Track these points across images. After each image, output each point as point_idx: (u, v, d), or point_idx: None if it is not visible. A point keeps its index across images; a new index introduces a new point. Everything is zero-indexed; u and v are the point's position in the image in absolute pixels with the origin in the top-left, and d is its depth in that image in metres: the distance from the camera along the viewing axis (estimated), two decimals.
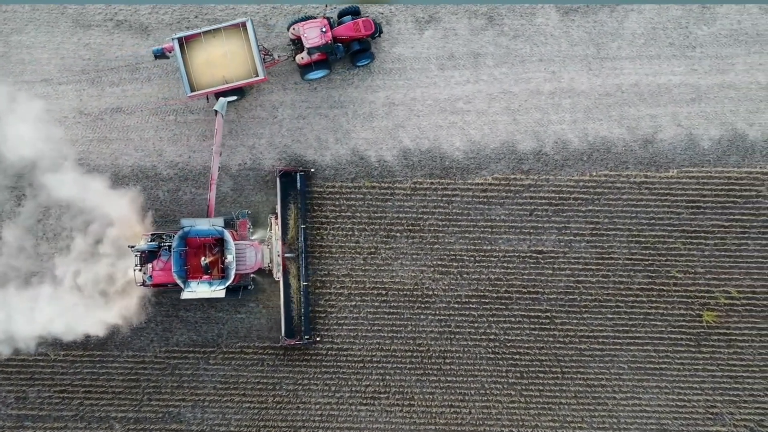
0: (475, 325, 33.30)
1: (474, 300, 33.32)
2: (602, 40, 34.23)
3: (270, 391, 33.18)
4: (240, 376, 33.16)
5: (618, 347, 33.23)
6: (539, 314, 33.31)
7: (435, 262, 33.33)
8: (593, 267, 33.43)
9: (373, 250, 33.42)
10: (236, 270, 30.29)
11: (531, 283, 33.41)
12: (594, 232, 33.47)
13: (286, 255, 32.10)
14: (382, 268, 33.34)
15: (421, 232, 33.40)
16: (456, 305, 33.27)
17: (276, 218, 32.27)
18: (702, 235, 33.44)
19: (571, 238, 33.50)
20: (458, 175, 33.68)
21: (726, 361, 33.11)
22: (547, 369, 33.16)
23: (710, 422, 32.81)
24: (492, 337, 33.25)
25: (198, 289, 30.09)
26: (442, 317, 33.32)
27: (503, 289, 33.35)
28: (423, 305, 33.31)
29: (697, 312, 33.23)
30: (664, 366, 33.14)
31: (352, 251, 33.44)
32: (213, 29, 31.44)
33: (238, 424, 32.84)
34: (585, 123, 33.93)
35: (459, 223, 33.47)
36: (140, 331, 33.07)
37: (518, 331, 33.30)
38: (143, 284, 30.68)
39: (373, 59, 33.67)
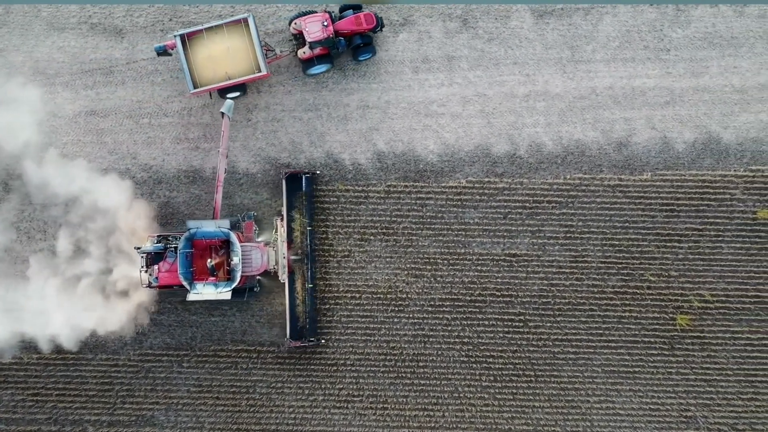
0: (449, 328, 33.28)
1: (448, 303, 33.30)
2: (577, 43, 34.20)
3: (243, 394, 33.16)
4: (213, 379, 33.16)
5: (592, 350, 33.20)
6: (513, 317, 33.28)
7: (409, 266, 33.31)
8: (567, 270, 33.40)
9: (346, 253, 33.41)
10: (242, 272, 30.35)
11: (505, 286, 33.38)
12: (568, 235, 33.44)
13: (291, 257, 31.96)
14: (356, 271, 33.33)
15: (395, 235, 33.38)
16: (430, 308, 33.25)
17: (281, 220, 32.23)
18: (676, 238, 33.41)
19: (545, 241, 33.47)
20: (432, 178, 33.65)
21: (699, 364, 33.08)
22: (521, 372, 33.14)
23: (684, 425, 32.80)
24: (465, 340, 33.23)
25: (204, 291, 30.15)
26: (415, 320, 33.30)
27: (477, 292, 33.33)
28: (397, 308, 33.30)
29: (671, 315, 33.20)
30: (637, 369, 33.11)
31: (326, 254, 33.42)
32: (215, 25, 31.42)
33: (212, 427, 32.83)
34: (559, 126, 33.90)
35: (433, 226, 33.45)
36: (114, 335, 32.94)
37: (492, 335, 33.28)
38: (149, 286, 30.78)
39: (375, 54, 33.58)
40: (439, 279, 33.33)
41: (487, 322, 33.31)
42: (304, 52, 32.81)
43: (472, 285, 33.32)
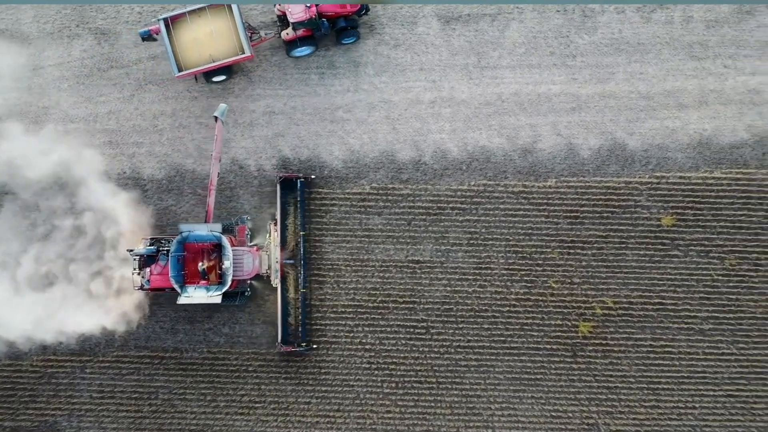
0: (351, 334, 33.26)
1: (350, 309, 33.28)
2: (483, 49, 34.14)
3: (146, 400, 33.18)
4: (116, 385, 33.20)
5: (494, 357, 33.15)
6: (415, 324, 33.25)
7: (311, 272, 33.26)
8: (470, 277, 33.35)
9: None
10: (233, 276, 30.46)
11: (407, 292, 33.35)
12: (471, 241, 33.39)
13: (284, 261, 32.11)
14: None
15: None
16: (332, 315, 33.23)
17: (275, 225, 32.27)
18: (579, 245, 33.34)
19: (449, 247, 33.43)
20: (337, 185, 33.64)
21: (602, 371, 33.00)
22: (423, 379, 33.11)
23: None
24: (368, 347, 33.21)
25: (195, 294, 30.30)
26: (318, 326, 33.26)
27: (379, 298, 33.31)
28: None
29: (574, 322, 33.13)
30: (540, 376, 33.04)
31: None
32: (198, 8, 31.57)
33: None
34: (465, 132, 33.85)
35: (336, 232, 33.42)
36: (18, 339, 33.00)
37: (394, 341, 33.25)
38: (141, 288, 30.99)
39: (359, 38, 33.58)
40: (341, 285, 33.32)
41: (389, 329, 33.27)
42: (287, 33, 32.92)
43: (374, 291, 33.30)
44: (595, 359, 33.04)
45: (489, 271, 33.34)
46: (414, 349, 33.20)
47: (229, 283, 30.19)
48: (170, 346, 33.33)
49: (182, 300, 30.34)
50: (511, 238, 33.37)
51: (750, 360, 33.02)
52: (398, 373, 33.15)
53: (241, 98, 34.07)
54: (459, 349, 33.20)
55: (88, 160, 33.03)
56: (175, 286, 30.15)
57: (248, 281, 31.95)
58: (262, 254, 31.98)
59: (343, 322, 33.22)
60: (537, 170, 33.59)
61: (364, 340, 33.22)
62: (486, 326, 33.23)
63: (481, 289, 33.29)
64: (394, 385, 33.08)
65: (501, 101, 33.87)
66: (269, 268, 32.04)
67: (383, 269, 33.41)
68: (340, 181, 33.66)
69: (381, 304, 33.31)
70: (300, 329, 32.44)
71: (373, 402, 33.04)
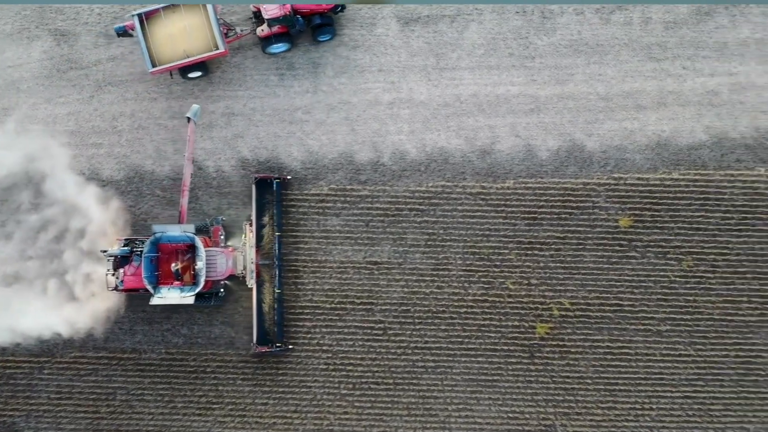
0: (309, 335, 33.29)
1: (308, 311, 33.32)
2: (442, 51, 34.14)
3: (104, 400, 33.23)
4: (74, 386, 33.23)
5: (451, 359, 33.17)
6: (372, 325, 33.28)
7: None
8: (428, 278, 33.38)
9: None
10: (207, 276, 30.48)
11: (365, 293, 33.38)
12: (429, 243, 33.41)
13: (260, 262, 32.17)
14: None
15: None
16: (289, 316, 33.25)
17: (250, 225, 32.29)
18: (537, 246, 33.34)
19: (407, 249, 33.45)
20: (295, 186, 33.66)
21: (558, 372, 33.01)
22: (380, 380, 33.14)
23: None
24: (325, 347, 33.24)
25: (168, 295, 30.37)
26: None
27: (336, 299, 33.33)
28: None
29: (531, 324, 33.15)
30: (497, 378, 33.07)
31: None
32: (172, 5, 31.67)
33: None
34: (423, 133, 33.86)
35: (294, 233, 33.44)
36: None
37: (351, 342, 33.28)
38: (115, 289, 31.02)
39: (335, 35, 33.59)
40: (299, 287, 33.34)
41: (346, 330, 33.30)
42: (262, 30, 32.87)
43: (332, 292, 33.33)
44: (552, 360, 33.05)
45: (446, 273, 33.35)
46: (371, 350, 33.22)
47: (202, 283, 30.23)
48: (128, 347, 33.37)
49: (155, 301, 30.37)
50: (468, 240, 33.38)
51: (707, 361, 33.03)
52: (355, 374, 33.17)
53: (200, 99, 34.08)
54: (416, 351, 33.21)
55: (49, 161, 33.01)
56: (148, 287, 30.21)
57: (222, 282, 31.90)
58: (236, 255, 31.97)
59: (301, 324, 33.25)
60: (495, 171, 33.59)
61: (321, 341, 33.24)
62: (443, 327, 33.24)
63: (439, 291, 33.30)
64: (351, 386, 33.10)
65: (460, 102, 33.87)
66: (244, 268, 31.98)
67: (341, 270, 33.43)
68: (299, 182, 33.68)
69: (338, 305, 33.33)
70: (276, 329, 32.34)
71: (330, 403, 33.07)
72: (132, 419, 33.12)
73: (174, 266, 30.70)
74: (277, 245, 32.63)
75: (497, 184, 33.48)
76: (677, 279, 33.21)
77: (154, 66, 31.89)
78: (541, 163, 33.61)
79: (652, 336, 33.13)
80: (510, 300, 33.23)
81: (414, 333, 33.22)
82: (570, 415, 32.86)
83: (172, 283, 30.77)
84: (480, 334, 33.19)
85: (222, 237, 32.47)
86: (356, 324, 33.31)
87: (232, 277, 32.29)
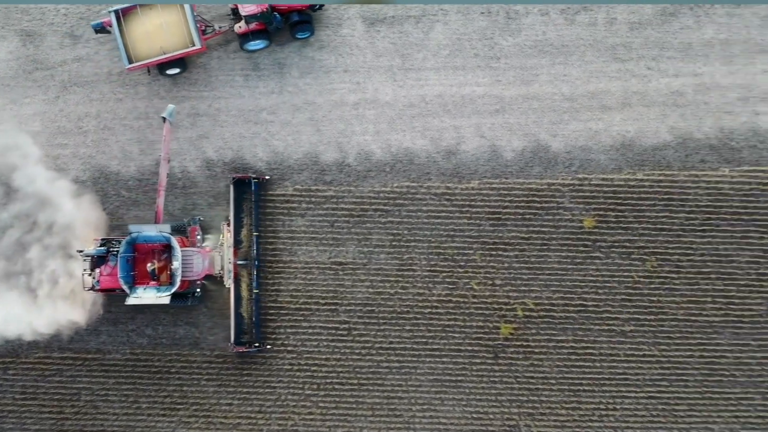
0: (274, 336, 33.31)
1: (272, 311, 33.33)
2: (407, 51, 34.16)
3: (68, 401, 33.25)
4: (38, 386, 33.24)
5: (416, 359, 33.20)
6: (337, 325, 33.31)
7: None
8: (393, 278, 33.41)
9: None
10: (183, 276, 30.52)
11: (330, 294, 33.41)
12: (394, 243, 33.45)
13: (238, 262, 32.21)
14: None
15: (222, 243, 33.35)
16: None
17: (228, 225, 32.29)
18: (502, 247, 33.37)
19: (372, 249, 33.48)
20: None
21: (523, 373, 33.05)
22: (345, 381, 33.17)
23: None
24: (290, 348, 33.27)
25: (144, 295, 30.46)
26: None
27: (301, 300, 33.37)
28: (221, 316, 33.28)
29: (495, 324, 33.18)
30: (461, 378, 33.10)
31: None
32: (148, 2, 31.70)
33: None
34: (388, 134, 33.89)
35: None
36: None
37: (316, 343, 33.31)
38: (92, 289, 31.01)
39: (313, 33, 33.57)
40: (265, 287, 33.33)
41: (311, 330, 33.33)
42: (239, 27, 32.80)
43: (297, 293, 33.36)
44: (517, 361, 33.10)
45: (411, 273, 33.38)
46: (336, 350, 33.25)
47: (178, 283, 30.26)
48: (93, 348, 33.39)
49: (131, 301, 30.43)
50: (433, 240, 33.41)
51: (671, 361, 33.09)
52: (320, 374, 33.21)
53: (166, 100, 34.06)
54: (381, 351, 33.24)
55: (13, 162, 32.94)
56: (124, 287, 30.31)
57: (199, 282, 31.90)
58: (214, 255, 31.99)
59: (265, 324, 33.25)
60: (460, 172, 33.61)
61: (286, 342, 33.28)
62: (408, 328, 33.27)
63: (404, 291, 33.33)
64: (315, 386, 33.14)
65: (425, 103, 33.89)
66: (222, 268, 31.96)
67: (306, 271, 33.46)
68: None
69: (303, 306, 33.38)
70: (254, 330, 32.37)
71: (294, 403, 33.12)
72: (96, 420, 33.14)
73: (150, 266, 30.82)
74: (255, 245, 32.49)
75: (462, 185, 33.50)
76: (641, 279, 33.25)
77: (131, 62, 31.89)
78: (506, 164, 33.64)
79: (616, 336, 33.16)
80: (474, 300, 33.25)
81: (378, 333, 33.24)
82: (534, 415, 32.89)
83: (148, 283, 30.83)
84: (444, 334, 33.20)
85: (199, 237, 32.41)
86: (321, 324, 33.34)
87: (209, 277, 32.21)
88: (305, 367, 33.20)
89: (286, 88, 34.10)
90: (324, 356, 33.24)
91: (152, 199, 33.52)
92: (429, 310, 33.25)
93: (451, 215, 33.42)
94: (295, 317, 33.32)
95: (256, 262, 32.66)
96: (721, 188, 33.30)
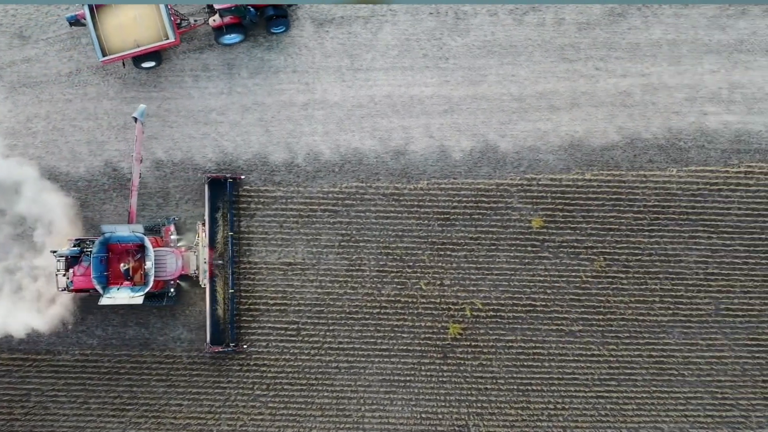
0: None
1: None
2: (356, 52, 34.15)
3: (18, 402, 33.27)
4: None
5: (365, 359, 33.27)
6: (286, 326, 33.36)
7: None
8: (342, 279, 33.45)
9: None
10: (156, 276, 30.61)
11: (279, 294, 33.45)
12: (343, 243, 33.48)
13: (213, 262, 32.26)
14: None
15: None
16: (203, 318, 33.23)
17: (203, 225, 32.30)
18: (450, 247, 33.42)
19: (321, 249, 33.51)
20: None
21: (471, 373, 33.13)
22: (294, 381, 33.24)
23: None
24: (239, 348, 33.22)
25: (117, 295, 30.47)
26: (191, 328, 33.35)
27: (250, 300, 33.37)
28: (171, 316, 33.33)
29: (444, 324, 33.23)
30: (410, 378, 33.17)
31: None
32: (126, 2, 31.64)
33: None
34: (337, 134, 33.89)
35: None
36: None
37: (265, 343, 33.36)
38: (65, 289, 31.03)
39: (289, 28, 33.52)
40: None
41: (260, 331, 33.37)
42: (214, 20, 32.66)
43: (246, 293, 33.35)
44: (466, 361, 33.18)
45: (360, 273, 33.42)
46: (285, 351, 33.31)
47: (151, 283, 30.34)
48: (43, 349, 33.40)
49: (104, 301, 30.43)
50: (382, 240, 33.45)
51: (620, 361, 33.20)
52: (269, 374, 33.27)
53: (115, 101, 34.06)
54: (330, 351, 33.30)
55: None
56: (97, 287, 30.35)
57: (173, 282, 31.93)
58: (188, 255, 31.91)
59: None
60: (409, 172, 33.65)
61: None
62: (357, 328, 33.33)
63: (353, 291, 33.37)
64: (265, 387, 33.19)
65: (374, 103, 33.91)
66: (197, 268, 31.91)
67: (255, 271, 33.47)
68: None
69: (252, 306, 33.40)
70: (229, 329, 32.45)
71: (244, 404, 33.16)
72: (46, 420, 33.15)
73: (123, 266, 30.92)
74: (230, 245, 32.53)
75: (411, 185, 33.54)
76: (590, 279, 33.33)
77: (104, 55, 31.85)
78: (454, 164, 33.68)
79: (565, 336, 33.26)
80: (423, 301, 33.32)
81: (328, 334, 33.30)
82: (483, 415, 32.99)
83: (122, 284, 30.88)
84: (393, 334, 33.28)
85: (173, 237, 32.43)
86: (270, 325, 33.39)
87: (184, 277, 32.23)
88: (254, 368, 33.23)
89: (236, 89, 34.08)
90: (273, 357, 33.28)
91: (102, 200, 33.63)
92: (378, 310, 33.29)
93: (399, 215, 33.44)
94: (244, 318, 33.32)
95: (231, 262, 32.51)
96: (669, 188, 33.37)
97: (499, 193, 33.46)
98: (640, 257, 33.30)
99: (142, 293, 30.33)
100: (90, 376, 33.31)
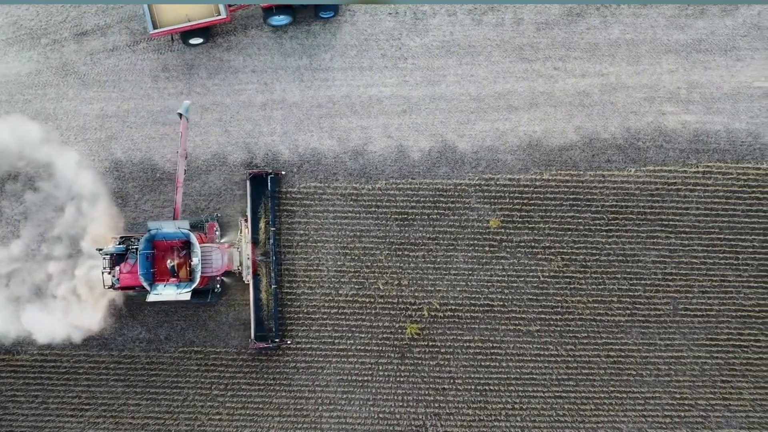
0: (183, 335, 33.31)
1: (180, 311, 33.41)
2: (315, 52, 34.15)
3: None
4: None
5: (323, 359, 33.31)
6: (244, 325, 33.33)
7: None
8: (300, 279, 33.45)
9: None
10: (202, 272, 30.56)
11: (236, 294, 33.39)
12: (301, 244, 33.49)
13: (257, 258, 32.26)
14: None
15: None
16: (162, 315, 33.32)
17: (246, 221, 32.35)
18: (409, 247, 33.44)
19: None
20: (170, 186, 33.65)
21: (429, 373, 33.16)
22: (252, 381, 33.27)
23: None
24: (197, 348, 33.33)
25: (164, 292, 30.44)
26: (149, 327, 33.39)
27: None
28: (130, 316, 33.37)
29: (402, 324, 33.26)
30: (368, 378, 33.20)
31: None
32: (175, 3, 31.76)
33: None
34: (296, 134, 33.91)
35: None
36: None
37: (223, 343, 33.34)
38: (111, 287, 31.06)
39: (338, 13, 33.48)
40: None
41: (218, 331, 33.35)
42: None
43: None
44: (423, 361, 33.20)
45: (318, 273, 33.47)
46: (242, 351, 33.30)
47: (198, 279, 30.30)
48: (1, 349, 33.40)
49: (151, 298, 30.39)
50: (340, 240, 33.45)
51: (578, 361, 33.21)
52: (227, 374, 33.31)
53: (74, 101, 34.12)
54: (288, 351, 33.35)
55: None
56: (144, 284, 30.29)
57: (218, 278, 31.95)
58: (232, 251, 31.94)
59: (174, 323, 33.31)
60: (368, 172, 33.66)
61: (193, 342, 33.29)
62: (315, 328, 33.37)
63: (310, 291, 33.42)
64: (222, 386, 33.24)
65: (332, 103, 33.92)
66: (240, 264, 31.99)
67: None
68: (172, 184, 33.65)
69: (211, 307, 33.38)
70: (273, 326, 32.45)
71: (202, 404, 33.22)
72: (4, 420, 33.22)
73: (170, 263, 30.86)
74: (272, 241, 32.52)
75: (369, 185, 33.56)
76: (548, 279, 33.34)
77: (155, 28, 31.83)
78: (413, 164, 33.69)
79: (522, 336, 33.28)
80: (381, 301, 33.35)
81: (286, 334, 33.29)
82: (441, 415, 33.01)
83: (168, 280, 30.89)
84: (351, 334, 33.31)
85: (217, 233, 32.44)
86: (228, 323, 33.38)
87: (228, 273, 32.29)
88: (212, 368, 33.31)
89: (195, 89, 34.11)
90: (231, 356, 33.33)
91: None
92: (336, 310, 33.33)
93: (358, 216, 33.47)
94: (202, 318, 33.33)
95: (274, 257, 32.49)
96: (628, 188, 33.37)
97: (457, 193, 33.46)
98: (598, 257, 33.30)
99: (189, 289, 30.18)
100: (49, 375, 33.39)
